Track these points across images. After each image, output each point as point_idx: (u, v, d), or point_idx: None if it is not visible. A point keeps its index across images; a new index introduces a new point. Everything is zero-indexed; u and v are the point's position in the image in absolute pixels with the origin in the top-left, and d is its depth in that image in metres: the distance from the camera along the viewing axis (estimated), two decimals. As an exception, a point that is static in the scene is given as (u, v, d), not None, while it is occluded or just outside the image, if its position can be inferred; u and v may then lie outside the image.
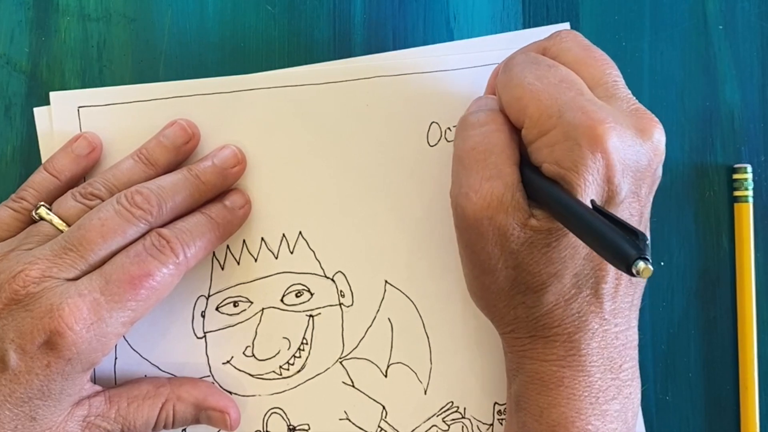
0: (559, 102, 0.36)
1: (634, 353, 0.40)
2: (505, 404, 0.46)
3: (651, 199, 0.39)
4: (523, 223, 0.37)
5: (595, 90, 0.38)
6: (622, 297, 0.39)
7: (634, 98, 0.38)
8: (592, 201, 0.35)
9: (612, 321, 0.39)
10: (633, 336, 0.40)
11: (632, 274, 0.31)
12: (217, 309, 0.45)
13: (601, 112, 0.36)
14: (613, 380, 0.39)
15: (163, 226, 0.41)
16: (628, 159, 0.36)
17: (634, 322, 0.40)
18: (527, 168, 0.38)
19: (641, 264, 0.31)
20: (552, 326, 0.39)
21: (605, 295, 0.38)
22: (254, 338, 0.45)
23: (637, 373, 0.40)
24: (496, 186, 0.37)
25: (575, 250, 0.38)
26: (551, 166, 0.37)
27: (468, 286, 0.42)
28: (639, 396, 0.40)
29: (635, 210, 0.38)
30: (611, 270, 0.38)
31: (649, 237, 0.40)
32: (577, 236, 0.35)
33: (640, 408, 0.45)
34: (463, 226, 0.39)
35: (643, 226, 0.39)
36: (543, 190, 0.37)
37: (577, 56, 0.39)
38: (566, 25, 0.47)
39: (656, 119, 0.38)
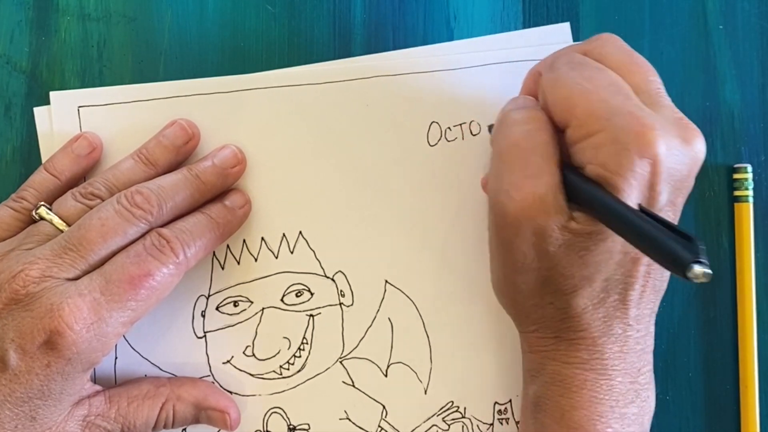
0: (609, 104, 0.36)
1: (651, 358, 0.40)
2: (505, 404, 0.46)
3: (681, 209, 0.39)
4: (563, 226, 0.37)
5: (639, 96, 0.38)
6: (646, 303, 0.39)
7: (676, 108, 0.38)
8: (640, 205, 0.35)
9: (635, 327, 0.39)
10: (650, 341, 0.40)
11: (688, 279, 0.31)
12: (217, 309, 0.45)
13: (650, 118, 0.36)
14: (632, 384, 0.39)
15: (163, 226, 0.41)
16: (672, 167, 0.36)
17: (652, 328, 0.40)
18: (567, 169, 0.38)
19: (697, 268, 0.30)
20: (578, 329, 0.39)
21: (631, 301, 0.38)
22: (254, 338, 0.45)
23: (653, 378, 0.40)
24: (539, 186, 0.37)
25: (610, 255, 0.37)
26: (595, 168, 0.36)
27: (495, 283, 0.42)
28: (654, 399, 0.40)
29: (670, 218, 0.38)
30: (640, 277, 0.38)
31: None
32: (626, 240, 0.35)
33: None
34: (500, 223, 0.39)
35: None
36: (586, 192, 0.36)
37: (620, 61, 0.39)
38: (566, 25, 0.47)
39: (698, 129, 0.37)
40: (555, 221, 0.37)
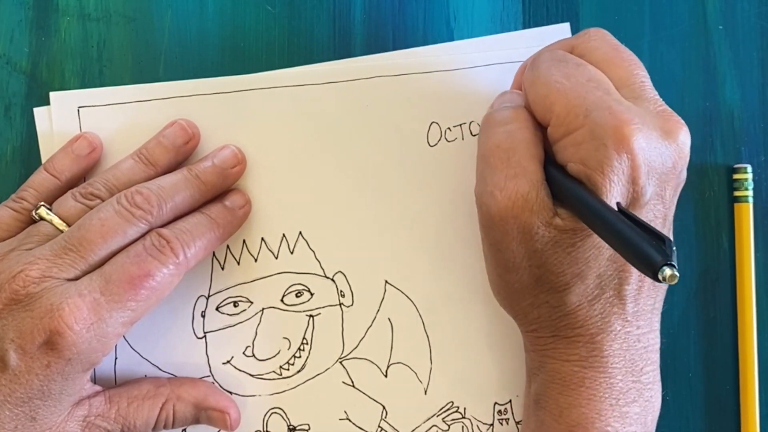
0: (587, 101, 0.36)
1: (656, 357, 0.40)
2: (505, 404, 0.46)
3: (675, 202, 0.39)
4: (548, 222, 0.37)
5: (622, 90, 0.38)
6: (645, 299, 0.39)
7: (661, 100, 0.38)
8: (618, 203, 0.35)
9: (634, 323, 0.39)
10: (655, 339, 0.40)
11: (658, 280, 0.31)
12: (217, 309, 0.45)
13: (628, 112, 0.36)
14: (634, 383, 0.39)
15: (163, 226, 0.41)
16: (653, 160, 0.36)
17: (656, 326, 0.40)
18: (552, 167, 0.38)
19: (667, 270, 0.31)
20: (575, 326, 0.39)
21: (628, 296, 0.38)
22: (254, 338, 0.45)
23: (658, 377, 0.40)
24: (521, 184, 0.37)
25: (599, 251, 0.37)
26: (576, 165, 0.36)
27: (491, 283, 0.42)
28: (659, 400, 0.40)
29: (659, 212, 0.38)
30: (635, 271, 0.38)
31: (672, 240, 0.39)
32: (601, 238, 0.35)
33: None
34: (487, 224, 0.39)
35: (667, 228, 0.39)
36: (567, 189, 0.37)
37: (605, 55, 0.39)
38: (566, 25, 0.47)
39: (682, 121, 0.37)
40: (539, 218, 0.37)
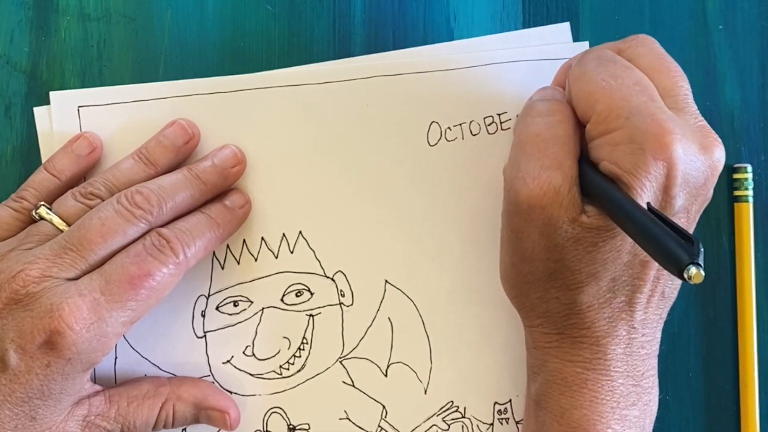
0: (631, 104, 0.36)
1: (655, 362, 0.40)
2: (505, 404, 0.46)
3: (697, 219, 0.39)
4: (574, 219, 0.37)
5: (666, 100, 0.38)
6: (654, 309, 0.39)
7: (701, 116, 0.38)
8: (648, 203, 0.35)
9: (640, 330, 0.39)
10: (656, 346, 0.40)
11: (683, 279, 0.31)
12: (217, 308, 0.45)
13: (670, 121, 0.36)
14: (634, 387, 0.39)
15: (163, 225, 0.41)
16: (688, 173, 0.36)
17: (659, 334, 0.40)
18: (585, 163, 0.38)
19: (693, 269, 0.31)
20: (582, 327, 0.39)
21: (638, 304, 0.39)
22: (254, 338, 0.45)
23: (656, 382, 0.41)
24: (555, 177, 0.37)
25: (618, 254, 0.38)
26: (609, 164, 0.37)
27: (502, 272, 0.42)
28: (656, 403, 0.41)
29: (682, 226, 0.38)
30: (649, 281, 0.38)
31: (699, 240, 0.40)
32: (630, 236, 0.35)
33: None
34: (513, 210, 0.39)
35: None
36: (599, 186, 0.37)
37: (651, 63, 0.39)
38: (566, 25, 0.47)
39: (719, 139, 0.38)
40: (566, 213, 0.37)
